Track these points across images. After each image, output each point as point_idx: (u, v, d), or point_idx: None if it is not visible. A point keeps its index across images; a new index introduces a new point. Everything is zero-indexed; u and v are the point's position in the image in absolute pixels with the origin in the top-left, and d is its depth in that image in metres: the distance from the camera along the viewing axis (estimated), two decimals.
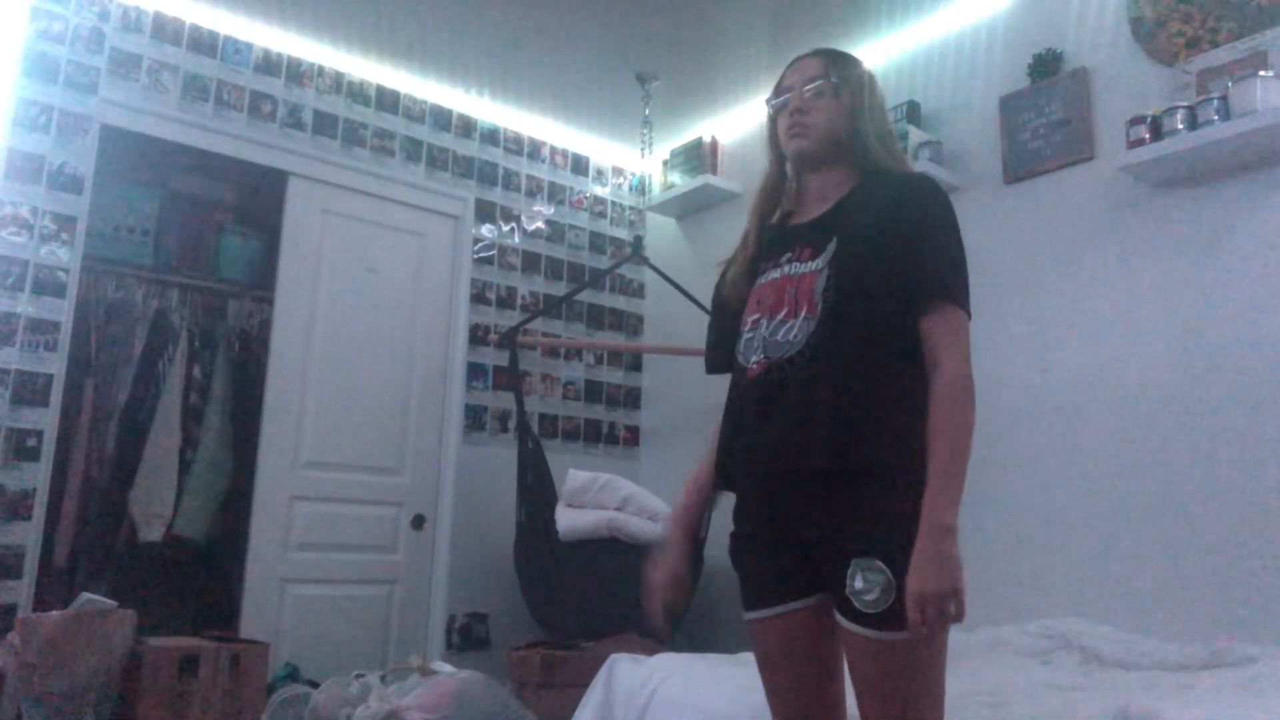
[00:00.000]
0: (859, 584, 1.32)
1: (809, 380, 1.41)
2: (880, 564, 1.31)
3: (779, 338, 1.46)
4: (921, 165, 3.20)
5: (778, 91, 1.63)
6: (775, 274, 1.53)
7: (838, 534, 1.37)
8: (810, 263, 1.48)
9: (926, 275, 1.42)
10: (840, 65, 1.59)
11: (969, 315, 1.44)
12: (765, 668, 1.52)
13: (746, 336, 1.53)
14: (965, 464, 1.35)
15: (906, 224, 1.44)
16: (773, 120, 1.64)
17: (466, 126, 4.17)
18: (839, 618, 1.38)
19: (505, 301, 4.19)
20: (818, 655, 1.46)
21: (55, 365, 3.10)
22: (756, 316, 1.52)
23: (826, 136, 1.55)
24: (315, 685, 2.98)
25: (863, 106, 1.56)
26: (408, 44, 3.78)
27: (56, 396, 3.10)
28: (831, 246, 1.47)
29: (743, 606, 1.53)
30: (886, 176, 1.53)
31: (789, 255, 1.53)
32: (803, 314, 1.44)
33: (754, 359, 1.49)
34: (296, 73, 3.73)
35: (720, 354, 1.64)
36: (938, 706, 1.37)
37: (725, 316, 1.64)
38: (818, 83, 1.56)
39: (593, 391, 4.40)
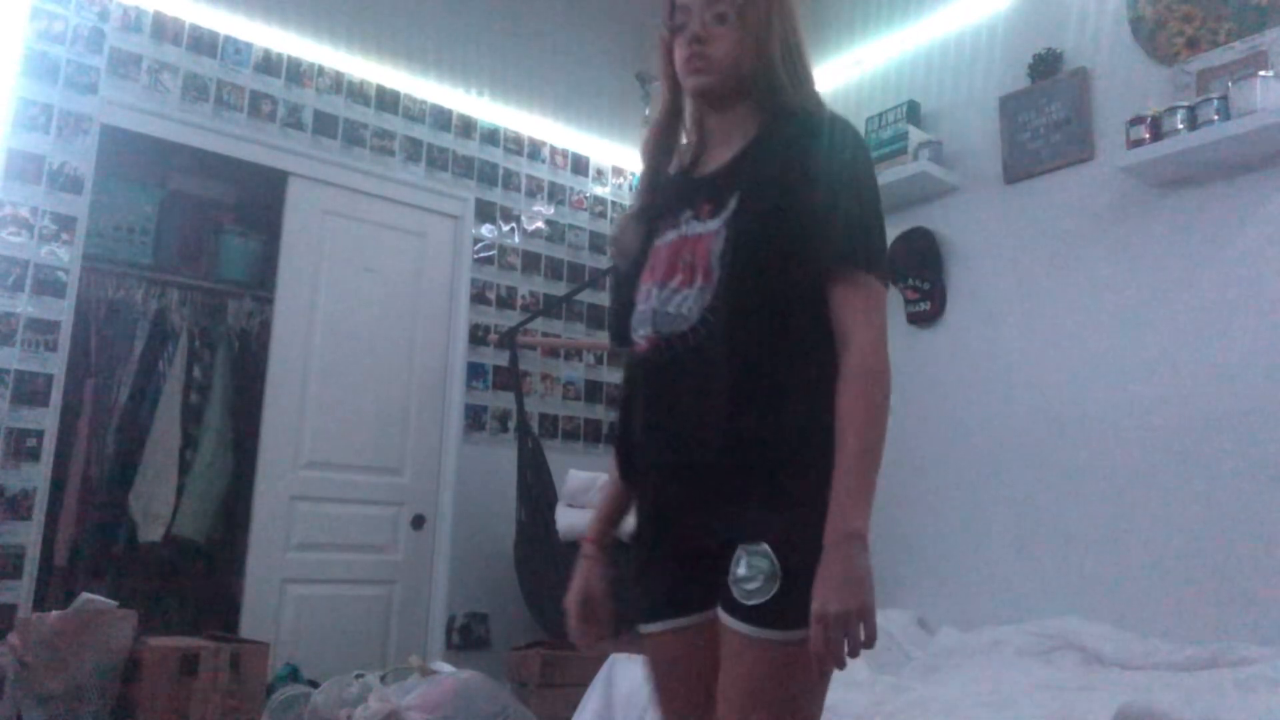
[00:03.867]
0: (741, 570, 1.15)
1: (703, 359, 1.22)
2: (767, 549, 1.13)
3: (670, 309, 1.25)
4: (922, 165, 3.20)
5: (673, 11, 1.33)
6: (672, 235, 1.31)
7: (733, 526, 1.19)
8: (709, 221, 1.27)
9: (834, 238, 1.21)
10: None
11: (885, 284, 1.25)
12: (658, 687, 1.33)
13: (640, 308, 1.31)
14: (878, 458, 1.16)
15: (813, 177, 1.23)
16: (668, 45, 1.36)
17: (466, 126, 4.17)
18: (719, 610, 1.19)
19: (505, 301, 4.19)
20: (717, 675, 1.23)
21: (55, 365, 3.10)
22: (649, 285, 1.30)
23: (731, 70, 1.30)
24: (315, 685, 2.98)
25: (770, 30, 1.29)
26: (408, 44, 3.78)
27: (56, 396, 3.09)
28: (732, 203, 1.25)
29: (637, 617, 1.33)
30: (794, 118, 1.30)
31: (689, 213, 1.30)
32: (698, 283, 1.24)
33: (642, 333, 1.29)
34: (296, 73, 3.73)
35: (623, 326, 1.37)
36: None
37: (622, 283, 1.39)
38: (721, 4, 1.29)
39: (593, 391, 4.40)
